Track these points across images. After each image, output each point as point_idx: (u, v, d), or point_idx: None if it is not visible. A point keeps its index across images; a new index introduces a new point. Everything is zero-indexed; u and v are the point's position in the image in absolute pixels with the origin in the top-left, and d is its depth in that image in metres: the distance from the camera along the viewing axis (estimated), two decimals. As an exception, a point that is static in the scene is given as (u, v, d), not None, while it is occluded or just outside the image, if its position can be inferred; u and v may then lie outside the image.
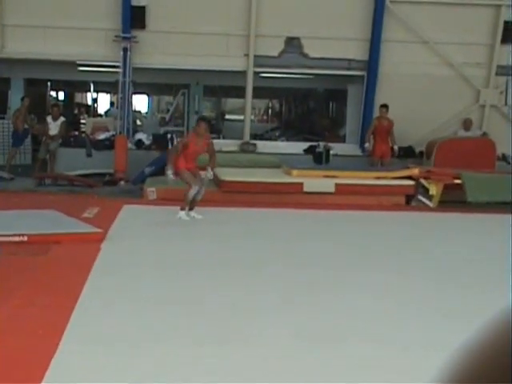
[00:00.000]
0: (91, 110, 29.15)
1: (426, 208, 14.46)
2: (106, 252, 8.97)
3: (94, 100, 30.05)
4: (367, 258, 9.37)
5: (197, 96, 23.02)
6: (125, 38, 18.31)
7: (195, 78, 21.88)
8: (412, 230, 11.99)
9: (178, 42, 18.61)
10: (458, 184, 14.59)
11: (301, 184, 14.43)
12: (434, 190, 14.66)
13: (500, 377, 0.67)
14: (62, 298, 6.79)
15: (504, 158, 18.43)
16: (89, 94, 30.09)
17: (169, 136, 18.58)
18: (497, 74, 19.19)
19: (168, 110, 23.85)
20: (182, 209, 12.04)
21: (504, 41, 18.87)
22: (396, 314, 6.72)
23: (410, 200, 14.86)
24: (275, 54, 19.16)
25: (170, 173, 11.86)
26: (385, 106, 17.21)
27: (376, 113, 18.16)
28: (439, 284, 7.95)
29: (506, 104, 19.33)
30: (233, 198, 13.92)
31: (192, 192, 11.93)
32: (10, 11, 18.41)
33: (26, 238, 9.25)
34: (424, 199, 14.76)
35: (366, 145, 17.43)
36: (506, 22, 18.82)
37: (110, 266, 8.30)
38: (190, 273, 8.15)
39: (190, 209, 12.18)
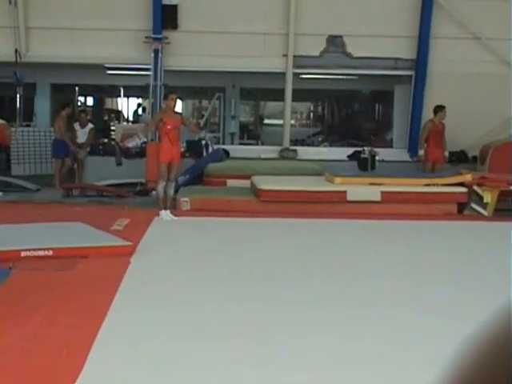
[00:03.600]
0: (121, 116, 29.33)
1: (480, 217, 14.29)
2: (135, 266, 8.98)
3: (125, 105, 30.27)
4: (417, 271, 9.28)
5: (233, 99, 23.03)
6: (156, 39, 18.39)
7: (231, 80, 21.93)
8: (465, 240, 11.84)
9: (212, 42, 18.66)
10: (514, 191, 14.42)
11: (344, 192, 14.35)
12: (488, 197, 14.48)
13: (500, 376, 0.70)
14: (87, 316, 6.80)
15: None
16: (119, 99, 30.27)
17: (203, 142, 18.58)
18: (556, 71, 18.95)
19: (203, 115, 23.89)
20: (160, 208, 13.10)
21: None
22: (450, 331, 6.62)
23: (462, 208, 14.69)
24: (316, 53, 19.12)
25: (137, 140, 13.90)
26: (444, 107, 16.95)
27: (425, 115, 18.01)
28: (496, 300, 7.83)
29: None
30: (272, 207, 13.88)
31: (160, 188, 13.09)
32: (34, 13, 18.61)
33: (51, 252, 9.29)
34: (478, 207, 14.59)
35: (421, 152, 17.17)
36: None
37: (139, 282, 8.30)
38: (225, 288, 8.12)
39: (165, 207, 13.12)
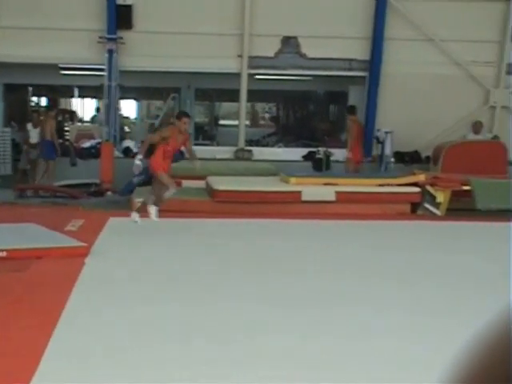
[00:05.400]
0: (76, 117, 29.15)
1: (433, 217, 14.47)
2: (90, 267, 8.97)
3: (79, 106, 30.12)
4: (369, 270, 9.37)
5: (188, 100, 23.05)
6: (110, 39, 18.32)
7: (186, 80, 21.93)
8: (418, 240, 11.98)
9: (167, 42, 18.62)
10: (466, 191, 14.61)
11: (299, 192, 14.44)
12: (441, 197, 14.68)
13: (501, 377, 0.73)
14: (42, 316, 6.79)
15: (516, 162, 18.43)
16: (73, 100, 30.10)
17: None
18: (507, 72, 19.23)
19: (158, 116, 23.86)
20: (151, 205, 12.36)
21: (514, 37, 18.94)
22: (405, 329, 6.72)
23: (415, 208, 14.87)
24: (271, 54, 19.20)
25: (138, 162, 12.01)
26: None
27: (379, 116, 18.24)
28: (451, 297, 7.96)
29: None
30: (226, 208, 13.90)
31: (169, 194, 12.25)
32: (-15, 12, 18.44)
33: (4, 254, 9.24)
34: (431, 207, 14.77)
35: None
36: (516, 18, 18.89)
37: (94, 282, 8.30)
38: (179, 288, 8.15)
39: (138, 211, 12.56)
